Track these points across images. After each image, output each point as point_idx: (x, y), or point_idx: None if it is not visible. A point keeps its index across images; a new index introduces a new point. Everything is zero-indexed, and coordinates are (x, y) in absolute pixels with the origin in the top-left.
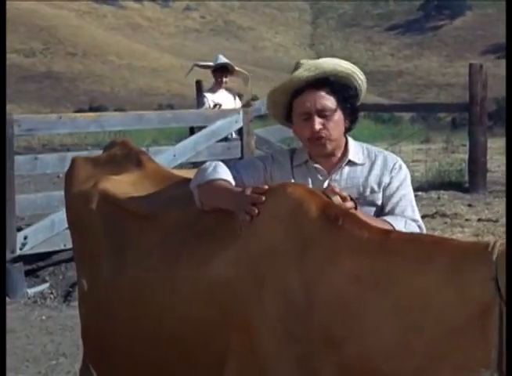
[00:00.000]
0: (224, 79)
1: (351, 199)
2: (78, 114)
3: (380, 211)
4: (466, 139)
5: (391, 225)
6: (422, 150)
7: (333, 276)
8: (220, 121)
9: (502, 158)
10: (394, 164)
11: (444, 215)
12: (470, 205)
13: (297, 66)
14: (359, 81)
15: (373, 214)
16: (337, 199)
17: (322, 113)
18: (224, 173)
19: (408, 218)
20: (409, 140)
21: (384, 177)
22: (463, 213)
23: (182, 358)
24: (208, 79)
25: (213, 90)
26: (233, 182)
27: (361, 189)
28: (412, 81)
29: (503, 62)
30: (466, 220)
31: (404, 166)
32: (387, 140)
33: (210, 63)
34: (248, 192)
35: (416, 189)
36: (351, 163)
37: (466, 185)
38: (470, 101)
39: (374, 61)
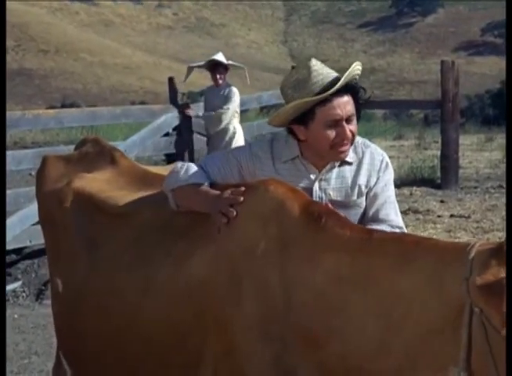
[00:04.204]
0: (218, 76)
1: None
2: (41, 111)
3: (365, 213)
4: (439, 135)
5: None
6: (394, 146)
7: (313, 275)
8: (164, 117)
9: (473, 155)
10: (381, 163)
11: (416, 212)
12: (442, 201)
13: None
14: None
15: (359, 216)
16: None
17: (349, 119)
18: (197, 175)
19: (392, 224)
20: (382, 137)
21: (372, 178)
22: (435, 209)
23: (156, 357)
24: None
25: (209, 90)
26: (207, 183)
27: (349, 191)
28: (385, 78)
29: (475, 59)
30: (439, 216)
31: (389, 163)
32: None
33: (201, 63)
34: (226, 194)
35: None
36: (342, 162)
37: (439, 181)
38: (442, 98)
39: (346, 58)
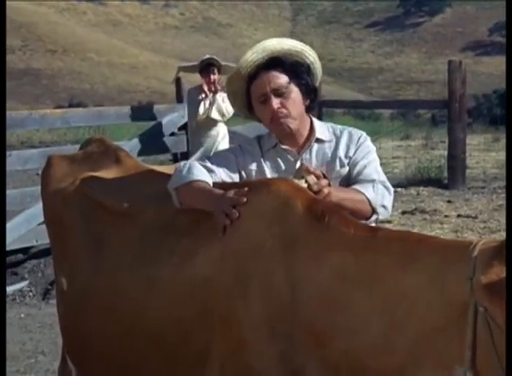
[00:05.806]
0: (212, 76)
1: (325, 176)
2: (47, 111)
3: (348, 179)
4: (446, 135)
5: (362, 192)
6: (401, 146)
7: (318, 273)
8: (169, 116)
9: (480, 155)
10: (359, 137)
11: (423, 212)
12: (449, 201)
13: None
14: (311, 58)
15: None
16: (312, 178)
17: (278, 92)
18: (200, 174)
19: (371, 180)
20: (389, 137)
21: (350, 150)
22: (442, 209)
23: (161, 357)
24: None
25: (196, 91)
26: (211, 181)
27: (331, 164)
28: (392, 77)
29: (482, 59)
30: (446, 216)
31: (369, 139)
32: None
33: (195, 63)
34: (229, 194)
35: (395, 186)
36: (318, 140)
37: (446, 181)
38: (450, 98)
39: (354, 58)
